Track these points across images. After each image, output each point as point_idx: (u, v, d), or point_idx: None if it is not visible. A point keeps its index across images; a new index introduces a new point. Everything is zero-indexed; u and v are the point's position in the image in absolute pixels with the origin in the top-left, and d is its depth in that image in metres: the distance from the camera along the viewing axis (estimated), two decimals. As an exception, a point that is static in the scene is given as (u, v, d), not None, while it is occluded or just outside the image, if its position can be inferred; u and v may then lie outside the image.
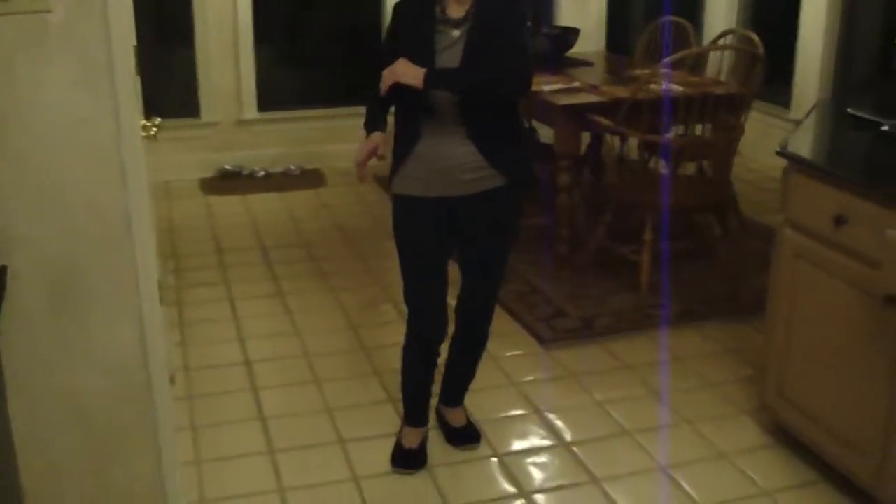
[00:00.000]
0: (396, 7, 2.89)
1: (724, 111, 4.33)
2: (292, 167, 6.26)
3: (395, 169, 2.87)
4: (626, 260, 4.42)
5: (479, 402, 3.38)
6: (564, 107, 4.49)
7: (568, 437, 3.26)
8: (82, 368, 2.34)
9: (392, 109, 2.91)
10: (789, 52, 6.13)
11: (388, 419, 3.32)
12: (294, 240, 5.15)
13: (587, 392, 3.54)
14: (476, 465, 3.12)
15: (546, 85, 4.72)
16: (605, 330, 4.03)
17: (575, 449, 3.18)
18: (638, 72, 4.86)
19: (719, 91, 4.39)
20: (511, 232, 3.02)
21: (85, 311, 2.30)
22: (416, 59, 2.72)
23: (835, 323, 2.81)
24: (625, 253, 4.45)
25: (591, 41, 6.39)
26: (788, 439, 3.11)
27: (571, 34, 5.60)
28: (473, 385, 3.27)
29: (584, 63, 5.49)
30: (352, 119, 6.49)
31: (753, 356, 3.68)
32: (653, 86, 4.34)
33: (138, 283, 2.33)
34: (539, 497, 2.94)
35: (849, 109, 3.34)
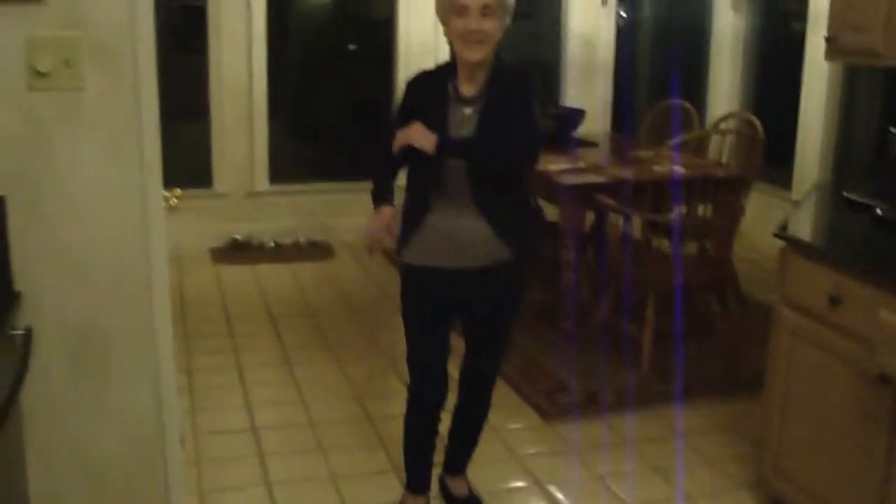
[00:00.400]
0: (410, 84, 2.98)
1: (725, 192, 4.45)
2: (301, 239, 6.39)
3: (405, 239, 2.94)
4: (628, 336, 4.50)
5: (480, 474, 3.43)
6: (569, 187, 4.62)
7: (569, 509, 3.31)
8: (99, 429, 2.42)
9: (400, 180, 3.00)
10: (790, 135, 6.28)
11: (392, 488, 3.37)
12: (302, 310, 5.24)
13: (588, 466, 3.60)
14: (478, 535, 3.16)
15: (552, 164, 4.85)
16: (607, 405, 4.09)
17: (575, 521, 3.23)
18: (642, 153, 5.00)
19: (720, 173, 4.52)
20: (515, 305, 3.08)
21: (105, 373, 2.38)
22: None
23: (830, 400, 2.88)
24: (629, 330, 4.53)
25: (596, 122, 6.56)
26: (785, 514, 3.17)
27: (577, 114, 5.76)
28: (475, 456, 3.32)
29: (590, 143, 5.63)
30: (361, 194, 6.61)
31: (751, 432, 3.74)
32: (656, 167, 4.46)
33: (157, 348, 2.42)
34: (539, 568, 2.99)
35: (844, 193, 3.45)
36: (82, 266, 2.31)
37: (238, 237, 6.33)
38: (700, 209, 4.47)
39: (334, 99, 6.95)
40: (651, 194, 4.29)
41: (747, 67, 7.00)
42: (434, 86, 2.88)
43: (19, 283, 2.25)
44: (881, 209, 3.15)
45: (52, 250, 2.28)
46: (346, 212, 6.30)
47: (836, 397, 2.85)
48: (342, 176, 6.50)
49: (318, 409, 4.01)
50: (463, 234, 2.87)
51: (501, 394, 4.00)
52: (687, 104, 5.59)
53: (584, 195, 4.65)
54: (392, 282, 5.54)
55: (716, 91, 7.06)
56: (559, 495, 3.39)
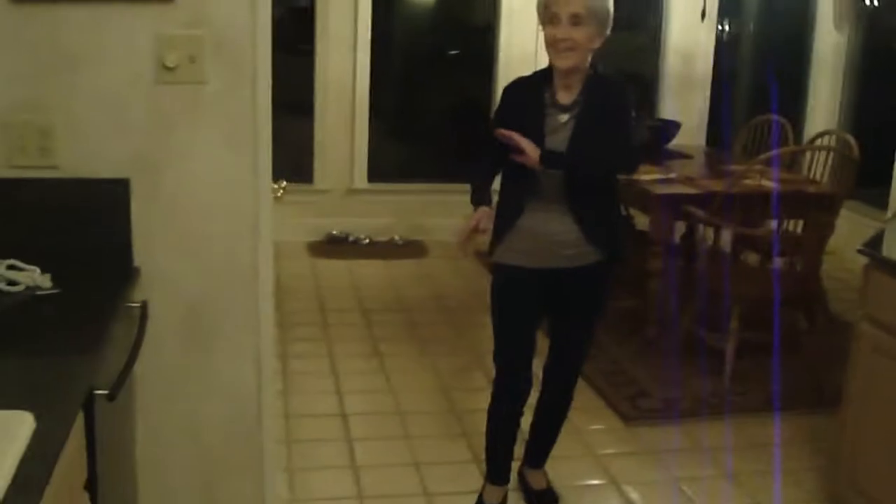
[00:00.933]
0: (507, 90, 3.09)
1: (816, 209, 4.47)
2: (396, 237, 6.56)
3: (498, 239, 3.04)
4: (711, 347, 4.55)
5: (559, 470, 3.54)
6: (661, 196, 4.70)
7: (642, 508, 3.40)
8: (204, 398, 2.60)
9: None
10: (888, 155, 6.23)
11: (473, 478, 3.50)
12: (393, 305, 5.41)
13: (664, 468, 3.68)
14: (552, 527, 3.28)
15: (645, 174, 4.92)
16: (686, 412, 4.16)
17: (648, 520, 3.32)
18: (735, 167, 5.04)
19: (812, 189, 4.54)
20: (601, 307, 3.20)
21: (212, 347, 2.57)
22: (529, 138, 2.89)
23: (906, 416, 2.92)
24: (711, 340, 4.58)
25: (692, 135, 6.58)
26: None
27: (673, 126, 5.81)
28: (555, 453, 3.43)
29: (684, 155, 5.68)
30: (455, 195, 6.76)
31: (831, 447, 3.77)
32: (747, 180, 4.51)
33: (259, 326, 2.59)
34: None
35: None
36: (196, 247, 2.49)
37: (335, 232, 6.55)
38: (790, 225, 4.51)
39: (434, 102, 7.13)
40: (741, 207, 4.34)
41: (848, 85, 6.96)
42: (531, 92, 2.97)
43: (138, 259, 2.44)
44: (970, 231, 3.17)
45: (169, 231, 2.46)
46: (442, 212, 6.44)
47: (913, 413, 2.89)
48: (438, 177, 6.66)
49: (406, 399, 4.17)
50: (555, 237, 2.97)
51: (585, 396, 4.13)
52: (783, 120, 5.60)
53: (675, 205, 4.72)
54: (483, 282, 5.68)
55: (814, 108, 7.04)
56: (634, 494, 3.48)
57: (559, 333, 3.22)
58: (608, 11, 2.88)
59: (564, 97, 2.93)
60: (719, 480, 3.61)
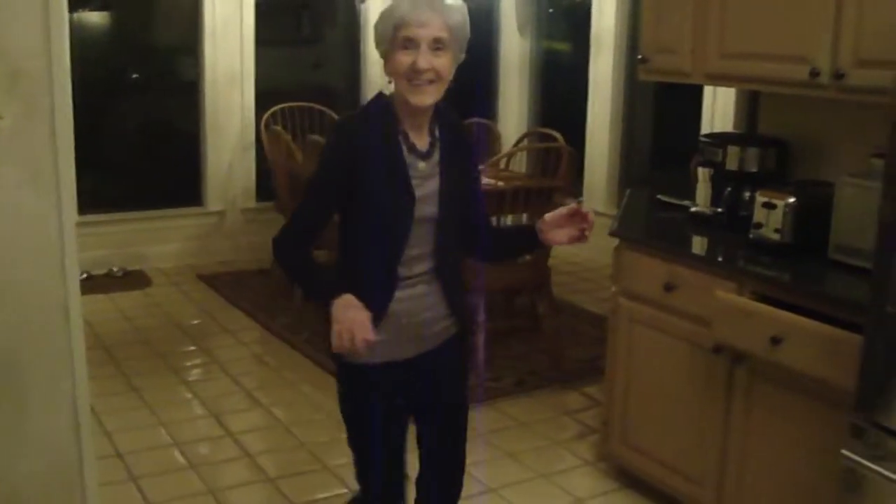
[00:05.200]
0: (344, 134, 2.36)
1: (535, 202, 4.84)
2: (115, 269, 6.30)
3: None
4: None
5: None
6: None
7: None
8: (18, 453, 2.45)
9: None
10: (580, 149, 6.83)
11: (273, 495, 3.52)
12: (134, 337, 5.22)
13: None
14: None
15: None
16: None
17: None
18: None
19: (532, 184, 4.92)
20: (466, 387, 2.66)
21: (23, 399, 2.42)
22: (393, 200, 2.31)
23: (670, 374, 3.30)
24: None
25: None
26: (634, 482, 3.55)
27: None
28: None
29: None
30: (173, 220, 6.64)
31: (586, 416, 4.16)
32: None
33: (74, 371, 2.48)
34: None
35: (659, 196, 3.92)
36: (2, 295, 2.35)
37: (46, 271, 6.17)
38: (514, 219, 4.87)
39: (133, 128, 6.87)
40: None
41: (534, 88, 7.55)
42: (380, 135, 2.32)
43: (-63, 314, 2.27)
44: (694, 206, 3.62)
45: (-29, 280, 2.31)
46: (159, 240, 6.34)
47: (676, 371, 3.27)
48: (151, 205, 6.49)
49: (178, 431, 4.07)
50: (424, 315, 2.42)
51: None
52: (490, 123, 6.00)
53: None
54: (216, 303, 5.66)
55: (505, 109, 7.56)
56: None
57: (431, 433, 2.58)
58: (467, 32, 2.35)
59: (419, 141, 2.36)
60: (502, 460, 3.85)
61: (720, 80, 3.64)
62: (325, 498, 3.54)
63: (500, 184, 4.78)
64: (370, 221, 2.33)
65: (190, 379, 4.68)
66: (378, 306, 2.30)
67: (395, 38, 2.26)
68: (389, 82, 2.32)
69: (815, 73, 3.00)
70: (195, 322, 5.51)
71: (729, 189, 3.45)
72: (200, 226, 6.63)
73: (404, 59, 2.25)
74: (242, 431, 4.05)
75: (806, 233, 3.10)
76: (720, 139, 3.63)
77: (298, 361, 4.89)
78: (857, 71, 2.90)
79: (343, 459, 3.71)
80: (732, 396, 3.07)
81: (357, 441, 2.51)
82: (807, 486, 2.85)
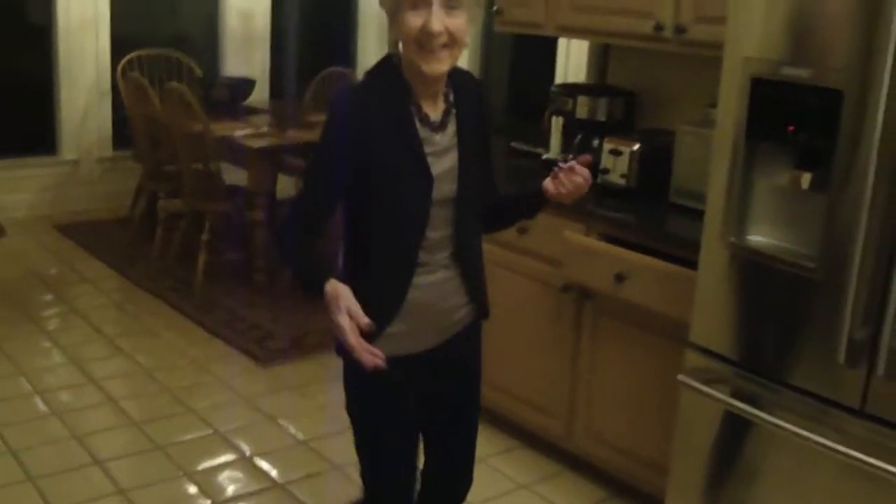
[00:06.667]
0: (349, 107, 2.05)
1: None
2: (-36, 219, 6.11)
3: (380, 328, 2.06)
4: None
5: (215, 419, 3.70)
6: (259, 150, 4.93)
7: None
8: None
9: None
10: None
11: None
12: (-9, 290, 5.12)
13: (311, 398, 4.00)
14: None
15: (235, 130, 5.13)
16: (314, 346, 4.48)
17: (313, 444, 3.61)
18: (314, 117, 5.39)
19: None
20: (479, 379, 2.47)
21: None
22: (408, 181, 2.08)
23: (523, 313, 3.47)
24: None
25: (257, 90, 6.83)
26: (494, 419, 3.71)
27: (248, 84, 6.04)
28: (206, 404, 3.56)
29: (258, 110, 5.95)
30: (26, 169, 6.48)
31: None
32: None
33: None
34: (291, 487, 3.34)
35: (512, 143, 4.08)
36: None
37: None
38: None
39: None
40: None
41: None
42: (391, 107, 2.07)
43: None
44: (545, 154, 3.79)
45: None
46: (12, 188, 6.17)
47: (528, 310, 3.45)
48: (2, 153, 6.27)
49: (36, 379, 4.04)
50: (445, 304, 2.22)
51: (216, 347, 4.35)
52: (349, 72, 6.05)
53: (272, 157, 4.98)
54: (74, 253, 5.58)
55: (365, 60, 7.61)
56: (288, 425, 3.76)
57: (443, 425, 2.40)
58: None
59: (432, 111, 2.12)
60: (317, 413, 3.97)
61: (571, 32, 3.78)
62: (191, 440, 3.59)
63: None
64: (383, 205, 2.08)
65: (50, 328, 4.63)
66: (395, 296, 2.12)
67: None
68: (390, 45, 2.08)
69: (659, 28, 3.20)
70: (53, 272, 5.42)
71: (579, 137, 3.62)
72: (55, 175, 6.46)
73: (414, 19, 1.97)
74: (105, 378, 4.06)
75: (649, 178, 3.31)
76: (571, 89, 3.79)
77: (159, 308, 4.90)
78: (696, 26, 3.10)
79: (206, 402, 3.82)
80: (581, 332, 3.27)
81: (368, 444, 2.27)
82: (650, 410, 3.08)
